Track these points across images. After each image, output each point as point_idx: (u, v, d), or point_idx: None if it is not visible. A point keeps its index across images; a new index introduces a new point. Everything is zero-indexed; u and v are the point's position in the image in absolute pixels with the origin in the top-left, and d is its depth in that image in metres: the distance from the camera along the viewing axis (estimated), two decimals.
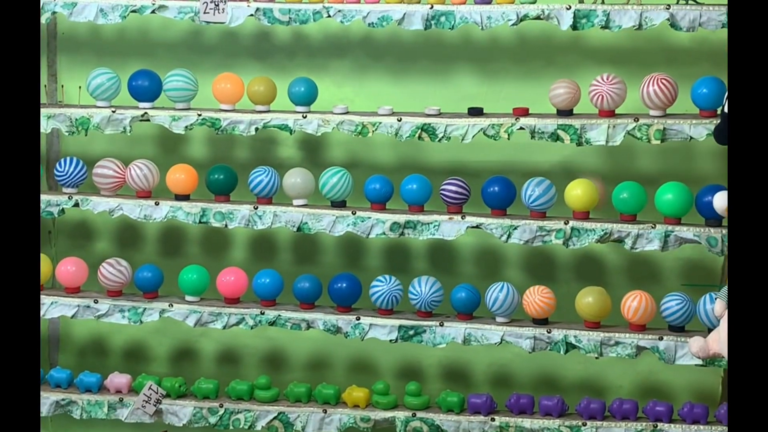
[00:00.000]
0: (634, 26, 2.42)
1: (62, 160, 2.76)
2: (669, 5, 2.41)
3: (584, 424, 2.53)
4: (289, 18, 2.60)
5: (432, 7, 2.53)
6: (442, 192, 2.60)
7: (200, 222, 2.70)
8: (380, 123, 2.58)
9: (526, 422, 2.56)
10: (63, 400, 2.76)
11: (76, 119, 2.70)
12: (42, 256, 2.82)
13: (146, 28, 3.01)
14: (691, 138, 2.42)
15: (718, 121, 2.21)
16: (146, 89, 2.69)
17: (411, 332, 2.61)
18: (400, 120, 2.57)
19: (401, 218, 2.59)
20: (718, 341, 2.04)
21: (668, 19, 2.40)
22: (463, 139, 2.55)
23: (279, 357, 3.07)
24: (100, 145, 2.97)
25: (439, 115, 2.58)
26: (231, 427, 2.71)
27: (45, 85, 2.95)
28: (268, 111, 2.67)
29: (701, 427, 2.47)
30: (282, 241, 3.03)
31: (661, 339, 2.46)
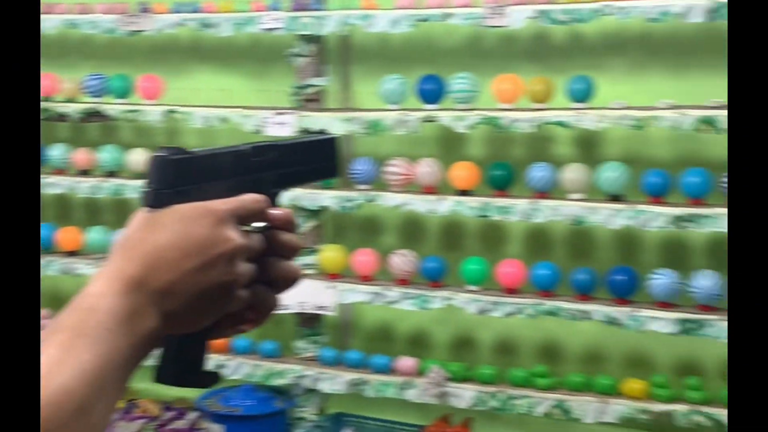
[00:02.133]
0: None
1: (357, 160, 3.02)
2: None
3: None
4: (569, 18, 2.69)
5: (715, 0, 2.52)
6: (723, 184, 2.57)
7: (481, 216, 2.85)
8: (660, 117, 2.60)
9: None
10: (357, 379, 3.02)
11: (370, 122, 2.95)
12: (338, 246, 3.11)
13: (430, 36, 3.21)
14: None
15: None
16: (432, 92, 2.89)
17: (693, 326, 2.60)
18: (679, 113, 2.58)
19: (681, 211, 2.60)
20: None
21: None
22: None
23: (554, 348, 3.16)
24: (388, 146, 3.21)
25: (722, 107, 2.56)
26: (511, 412, 2.84)
27: (329, 92, 3.24)
28: (547, 109, 2.77)
29: None
30: (557, 234, 3.12)
31: None
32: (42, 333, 0.78)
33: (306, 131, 3.04)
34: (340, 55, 3.29)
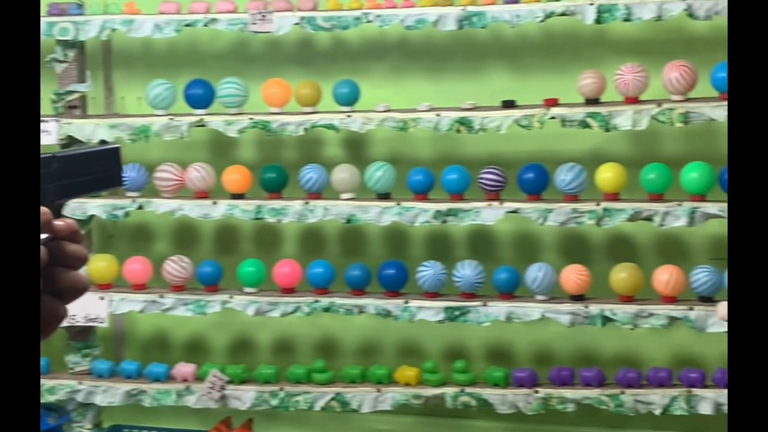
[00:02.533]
0: (654, 17, 2.59)
1: (126, 166, 2.97)
2: None
3: (623, 393, 2.70)
4: (331, 25, 2.80)
5: (464, 9, 2.71)
6: (480, 180, 2.77)
7: (255, 218, 2.90)
8: (420, 119, 2.77)
9: (568, 393, 2.74)
10: (133, 390, 2.97)
11: (137, 128, 2.91)
12: (108, 256, 3.04)
13: (195, 41, 3.22)
14: (712, 119, 2.58)
15: None
16: (201, 97, 2.90)
17: (457, 313, 2.79)
18: (438, 115, 2.76)
19: (443, 206, 2.78)
20: None
21: (686, 9, 2.57)
22: (498, 130, 2.72)
23: (331, 344, 3.26)
24: (155, 152, 3.17)
25: (475, 109, 2.76)
26: (291, 409, 2.90)
27: (93, 98, 3.17)
28: (315, 112, 2.86)
29: None
30: (330, 234, 3.22)
31: (691, 309, 2.62)
32: None
33: (70, 138, 2.95)
34: (102, 60, 3.21)
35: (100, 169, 0.98)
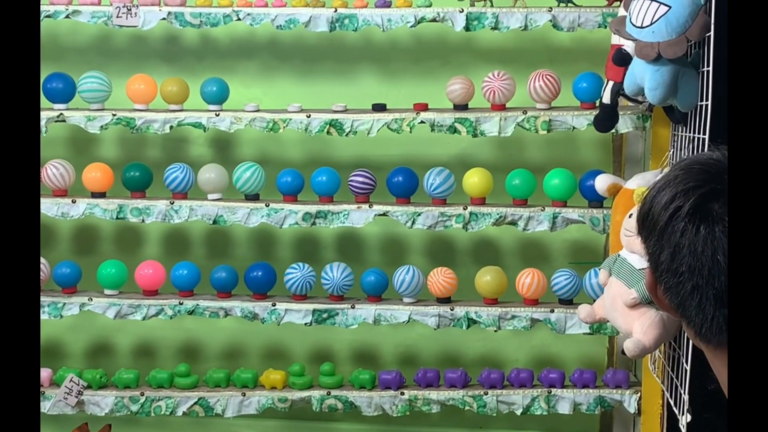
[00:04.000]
0: (520, 27, 2.66)
1: None
2: (551, 8, 2.65)
3: (486, 393, 2.75)
4: (200, 21, 2.74)
5: (336, 11, 2.71)
6: (350, 183, 2.78)
7: (117, 218, 2.80)
8: (290, 119, 2.74)
9: (433, 394, 2.77)
10: None
11: None
12: None
13: (55, 33, 3.08)
14: (574, 128, 2.67)
15: (597, 112, 2.45)
16: (61, 91, 2.78)
17: (325, 315, 2.78)
18: (309, 116, 2.74)
19: (313, 208, 2.76)
20: (603, 307, 2.29)
21: (551, 21, 2.65)
22: (368, 133, 2.73)
23: (195, 347, 3.19)
24: None
25: (346, 111, 2.76)
26: (152, 414, 2.82)
27: None
28: (182, 110, 2.79)
29: (590, 390, 2.72)
30: (195, 235, 3.15)
31: (552, 311, 2.70)
32: None
33: None
34: None
35: None
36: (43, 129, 2.77)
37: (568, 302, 2.72)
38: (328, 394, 2.79)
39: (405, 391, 2.77)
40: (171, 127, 2.78)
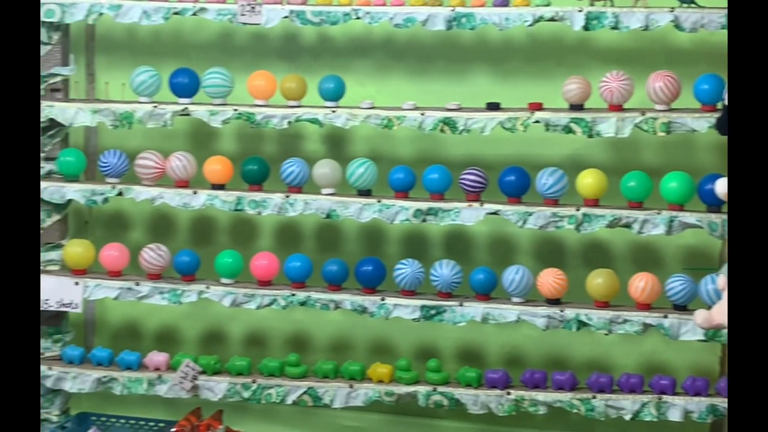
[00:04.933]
0: (641, 27, 2.62)
1: (106, 152, 2.95)
2: (673, 8, 2.61)
3: (594, 397, 2.72)
4: (320, 19, 2.80)
5: (453, 9, 2.73)
6: (461, 181, 2.79)
7: (235, 210, 2.89)
8: (404, 117, 2.78)
9: (540, 395, 2.76)
10: (104, 377, 2.94)
11: (120, 114, 2.89)
12: (84, 241, 3.02)
13: (180, 30, 3.20)
14: (694, 130, 2.62)
15: (719, 114, 2.40)
16: (186, 86, 2.88)
17: (433, 312, 2.80)
18: (422, 114, 2.77)
19: (424, 205, 2.79)
20: (721, 313, 2.24)
21: (672, 21, 2.61)
22: (482, 132, 2.74)
23: (304, 338, 3.26)
24: (136, 140, 3.15)
25: (460, 109, 2.78)
26: (263, 402, 2.89)
27: (76, 82, 3.15)
28: (300, 106, 2.86)
29: (702, 398, 2.67)
30: (307, 228, 3.22)
31: (665, 317, 2.66)
32: None
33: (52, 121, 2.93)
34: (85, 45, 3.19)
35: None
36: (168, 122, 2.88)
37: (682, 308, 2.67)
38: (434, 390, 2.81)
39: (511, 391, 2.77)
40: (289, 123, 2.85)
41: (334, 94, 2.85)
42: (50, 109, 2.91)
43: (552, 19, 2.69)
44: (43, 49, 2.94)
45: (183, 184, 2.91)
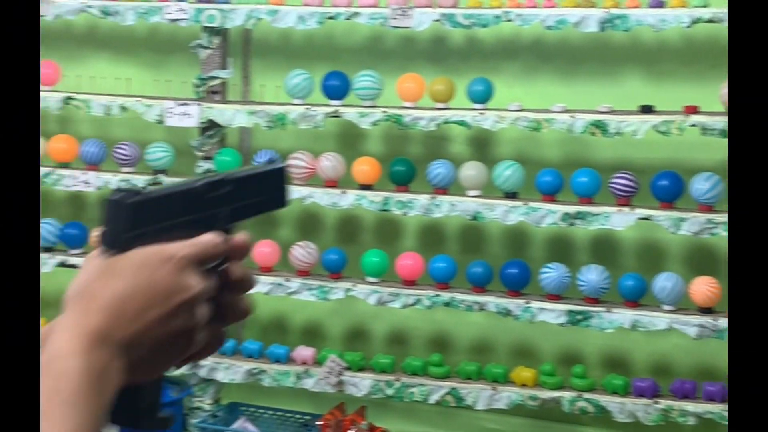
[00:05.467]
0: None
1: (260, 152, 3.05)
2: None
3: None
4: (471, 22, 2.81)
5: (607, 11, 2.69)
6: (611, 185, 2.75)
7: (382, 210, 2.94)
8: (554, 119, 2.76)
9: (689, 406, 2.69)
10: (254, 369, 3.05)
11: (275, 115, 2.99)
12: None
13: (331, 34, 3.28)
14: None
15: None
16: (337, 88, 2.96)
17: (579, 317, 2.77)
18: (572, 117, 2.74)
19: (572, 209, 2.76)
20: None
21: None
22: (634, 135, 2.69)
23: (446, 339, 3.28)
24: (287, 141, 3.25)
25: (611, 112, 2.74)
26: (406, 400, 2.94)
27: (234, 85, 3.27)
28: (448, 108, 2.89)
29: None
30: (450, 230, 3.24)
31: None
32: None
33: (210, 122, 3.06)
34: (242, 49, 3.31)
35: (267, 191, 0.95)
36: (319, 123, 2.96)
37: None
38: (580, 396, 2.78)
39: (660, 400, 2.71)
40: (437, 125, 2.88)
41: (483, 96, 2.86)
42: (209, 111, 3.04)
43: (710, 21, 2.61)
44: (204, 53, 3.07)
45: (332, 184, 2.98)
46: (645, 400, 2.72)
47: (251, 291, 0.88)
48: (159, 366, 0.82)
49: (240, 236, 0.88)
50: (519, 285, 2.86)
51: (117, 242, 0.81)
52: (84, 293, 0.79)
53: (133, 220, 0.81)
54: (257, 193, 0.93)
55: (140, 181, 3.12)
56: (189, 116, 3.01)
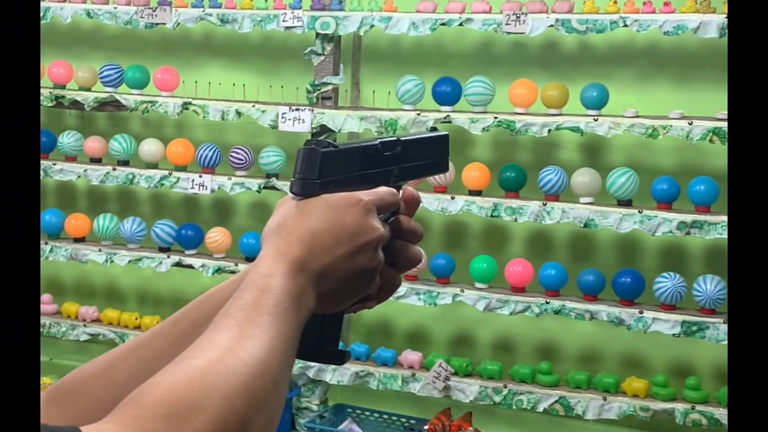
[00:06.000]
0: None
1: None
2: None
3: None
4: (586, 27, 2.79)
5: (728, 17, 2.63)
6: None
7: (492, 216, 2.94)
8: (670, 126, 2.71)
9: None
10: (362, 371, 3.09)
11: (386, 121, 3.02)
12: None
13: (441, 40, 3.30)
14: None
15: None
16: (448, 94, 2.97)
17: (694, 328, 2.71)
18: (690, 123, 2.69)
19: (688, 218, 2.71)
20: None
21: None
22: None
23: (553, 347, 3.25)
24: None
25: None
26: (514, 407, 2.92)
27: (346, 90, 3.31)
28: (560, 114, 2.87)
29: None
30: (560, 237, 3.22)
31: None
32: (218, 313, 0.82)
33: (323, 127, 3.11)
34: (352, 55, 3.36)
35: (433, 155, 1.04)
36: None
37: None
38: (693, 408, 2.72)
39: None
40: (549, 131, 2.86)
41: (597, 102, 2.83)
42: (321, 116, 3.09)
43: None
44: (317, 60, 3.13)
45: (441, 189, 3.00)
46: None
47: (419, 241, 0.97)
48: (343, 300, 0.90)
49: (410, 190, 0.98)
50: (632, 294, 2.81)
51: (306, 186, 0.90)
52: (281, 229, 0.88)
53: (322, 168, 0.90)
54: (423, 156, 1.02)
55: (254, 184, 3.19)
56: (302, 121, 3.07)
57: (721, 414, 2.69)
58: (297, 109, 3.10)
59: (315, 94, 3.13)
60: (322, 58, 3.13)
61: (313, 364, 3.14)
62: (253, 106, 3.18)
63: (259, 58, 3.52)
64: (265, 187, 3.20)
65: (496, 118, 2.91)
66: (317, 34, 3.11)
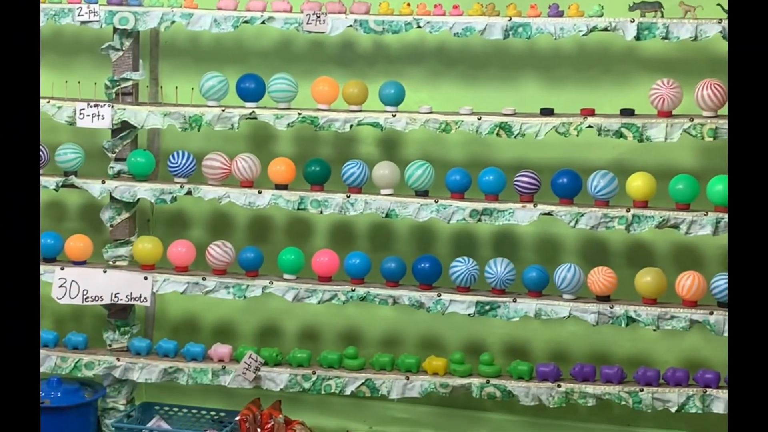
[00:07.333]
0: (690, 37, 2.76)
1: (175, 153, 3.09)
2: (721, 19, 2.75)
3: (642, 390, 2.86)
4: (383, 28, 2.94)
5: (510, 19, 2.87)
6: (516, 183, 2.93)
7: (298, 209, 3.03)
8: (462, 121, 2.92)
9: (590, 388, 2.89)
10: (171, 368, 3.08)
11: (190, 117, 3.03)
12: (153, 238, 3.16)
13: (241, 38, 3.34)
14: None
15: None
16: (252, 91, 3.03)
17: (487, 307, 2.94)
18: (479, 119, 2.91)
19: (479, 206, 2.92)
20: None
21: (721, 32, 2.75)
22: (536, 136, 2.88)
23: (357, 333, 3.40)
24: (197, 142, 3.29)
25: (515, 114, 2.92)
26: (323, 392, 3.03)
27: (147, 86, 3.29)
28: (361, 110, 3.00)
29: None
30: (360, 228, 3.36)
31: (711, 314, 2.79)
32: None
33: (124, 124, 3.07)
34: (150, 51, 3.33)
35: None
36: (235, 125, 3.03)
37: (726, 305, 2.80)
38: (488, 382, 2.95)
39: (562, 384, 2.91)
40: (351, 126, 2.99)
41: (395, 99, 2.99)
42: (122, 112, 3.06)
43: (605, 29, 2.82)
44: (115, 55, 3.09)
45: (248, 184, 3.05)
46: (548, 384, 2.91)
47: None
48: None
49: None
50: (431, 278, 3.00)
51: None
52: None
53: None
54: None
55: (51, 183, 3.10)
56: (101, 117, 3.02)
57: (513, 386, 2.93)
58: (96, 105, 3.05)
59: (114, 90, 3.09)
60: (121, 53, 3.09)
61: (119, 363, 3.10)
62: (48, 102, 3.09)
63: (51, 53, 3.41)
64: (63, 186, 3.12)
65: (300, 114, 3.00)
66: (115, 29, 3.07)
